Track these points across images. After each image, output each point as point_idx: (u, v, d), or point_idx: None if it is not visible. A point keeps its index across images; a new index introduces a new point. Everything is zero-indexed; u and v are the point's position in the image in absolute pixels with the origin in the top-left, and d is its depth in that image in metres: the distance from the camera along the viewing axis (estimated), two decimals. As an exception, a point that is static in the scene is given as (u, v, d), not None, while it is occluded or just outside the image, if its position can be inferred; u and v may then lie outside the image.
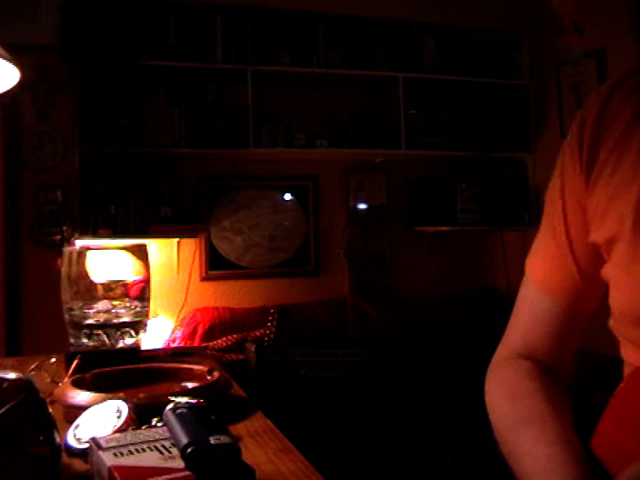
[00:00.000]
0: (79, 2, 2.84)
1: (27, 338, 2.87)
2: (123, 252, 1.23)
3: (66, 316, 1.17)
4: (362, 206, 3.47)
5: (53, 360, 1.19)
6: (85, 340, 1.15)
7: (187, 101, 2.99)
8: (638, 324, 0.68)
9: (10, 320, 2.86)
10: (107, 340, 1.15)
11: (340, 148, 3.22)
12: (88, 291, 1.17)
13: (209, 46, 3.02)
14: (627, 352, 0.73)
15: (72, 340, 1.17)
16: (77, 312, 1.15)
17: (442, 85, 3.40)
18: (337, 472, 2.21)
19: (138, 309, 1.19)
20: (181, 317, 3.08)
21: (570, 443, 0.67)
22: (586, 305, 0.79)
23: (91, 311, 1.15)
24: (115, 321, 1.16)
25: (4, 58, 0.95)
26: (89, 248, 1.21)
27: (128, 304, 1.18)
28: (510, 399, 0.76)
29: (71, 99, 2.86)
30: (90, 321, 1.15)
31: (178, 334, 2.95)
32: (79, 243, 2.59)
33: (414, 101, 3.32)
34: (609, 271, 0.72)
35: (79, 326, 1.15)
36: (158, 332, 2.93)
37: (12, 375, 0.66)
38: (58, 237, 2.79)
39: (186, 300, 3.13)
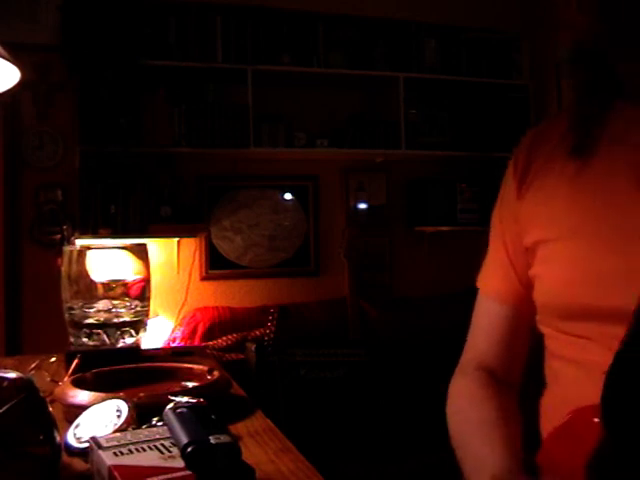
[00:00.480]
0: (79, 2, 2.84)
1: (27, 337, 2.87)
2: (123, 252, 1.23)
3: (66, 315, 1.17)
4: (362, 206, 3.47)
5: (53, 359, 1.19)
6: (85, 339, 1.15)
7: (187, 101, 2.99)
8: (565, 314, 0.75)
9: (10, 320, 2.86)
10: (107, 339, 1.15)
11: (340, 148, 3.22)
12: (88, 290, 1.17)
13: (209, 46, 3.02)
14: (552, 343, 0.80)
15: (72, 339, 1.17)
16: (77, 311, 1.15)
17: (442, 85, 3.40)
18: (337, 472, 2.20)
19: (138, 308, 1.19)
20: (181, 317, 3.08)
21: (512, 446, 0.73)
22: (529, 307, 0.84)
23: (91, 310, 1.15)
24: (115, 320, 1.16)
25: (4, 58, 0.94)
26: (89, 247, 1.21)
27: (128, 303, 1.18)
28: (467, 406, 0.84)
29: (71, 99, 2.86)
30: (90, 320, 1.15)
31: (178, 334, 2.95)
32: (79, 242, 2.59)
33: (414, 101, 3.32)
34: (537, 269, 0.79)
35: (79, 325, 1.15)
36: (158, 332, 2.93)
37: (12, 374, 0.66)
38: (58, 236, 2.79)
39: (186, 300, 3.13)
